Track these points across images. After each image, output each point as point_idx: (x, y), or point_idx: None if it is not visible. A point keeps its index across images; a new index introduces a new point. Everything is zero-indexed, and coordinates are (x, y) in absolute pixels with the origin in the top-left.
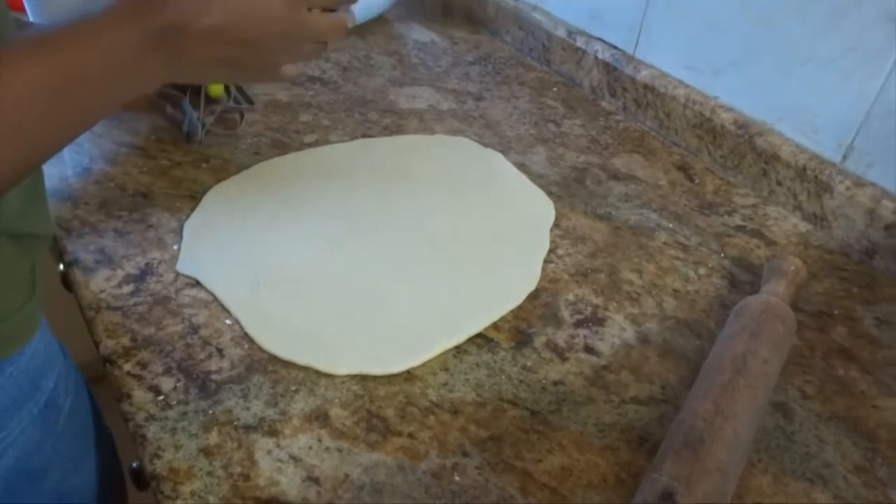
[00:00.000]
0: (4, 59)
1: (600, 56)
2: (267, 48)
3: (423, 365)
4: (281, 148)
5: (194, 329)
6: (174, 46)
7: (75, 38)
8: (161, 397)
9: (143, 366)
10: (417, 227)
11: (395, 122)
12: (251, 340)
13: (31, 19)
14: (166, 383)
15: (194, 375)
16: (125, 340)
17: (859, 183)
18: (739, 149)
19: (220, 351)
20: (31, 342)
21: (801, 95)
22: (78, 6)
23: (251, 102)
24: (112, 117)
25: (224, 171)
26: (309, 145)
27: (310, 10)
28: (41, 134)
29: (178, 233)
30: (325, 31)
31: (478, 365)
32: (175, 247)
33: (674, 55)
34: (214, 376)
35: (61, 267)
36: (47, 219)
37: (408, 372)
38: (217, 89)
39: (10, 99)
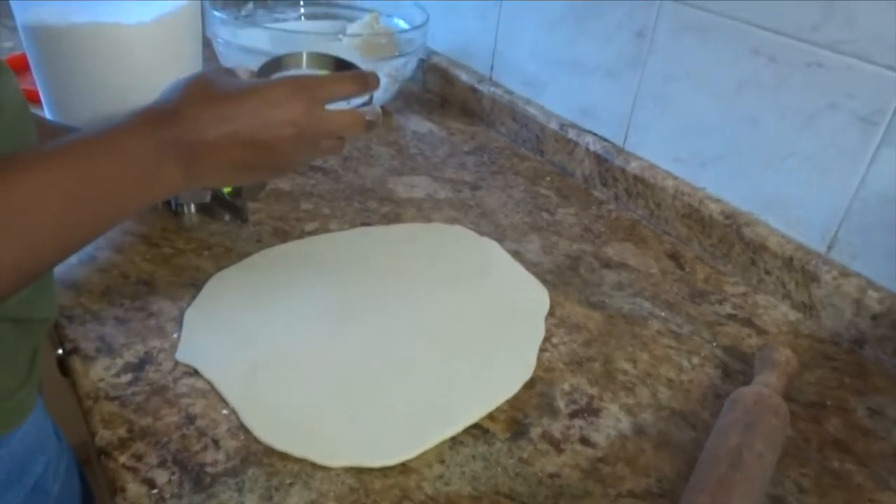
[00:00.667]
0: (22, 163)
1: (591, 148)
2: (285, 150)
3: (419, 457)
4: (282, 236)
5: (191, 419)
6: (190, 155)
7: (93, 147)
8: (155, 491)
9: (139, 458)
10: (414, 316)
11: (393, 211)
12: (247, 431)
13: (46, 112)
14: (161, 476)
15: (189, 468)
16: (122, 431)
17: (845, 273)
18: (728, 238)
19: (215, 442)
20: (21, 426)
21: (785, 188)
22: (92, 101)
23: (245, 220)
24: None
25: (226, 258)
26: (310, 233)
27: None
28: (55, 237)
29: (179, 321)
30: (342, 127)
31: (474, 457)
32: (175, 335)
33: (662, 148)
34: (209, 468)
35: (59, 351)
36: (52, 304)
37: (403, 464)
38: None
39: (26, 202)
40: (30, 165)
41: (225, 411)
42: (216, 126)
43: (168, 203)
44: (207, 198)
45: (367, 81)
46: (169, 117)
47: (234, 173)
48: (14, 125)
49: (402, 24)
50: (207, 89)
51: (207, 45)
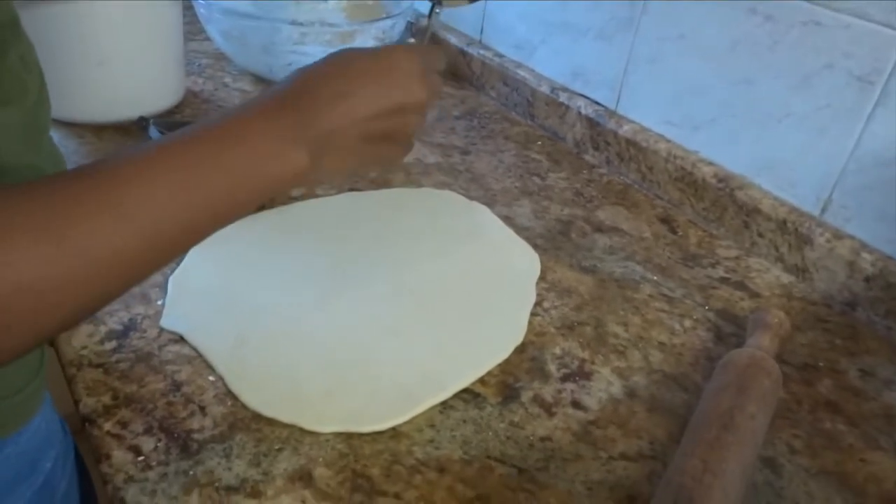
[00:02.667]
0: (134, 158)
1: (583, 111)
2: (406, 117)
3: (410, 422)
4: (268, 201)
5: (177, 386)
6: (315, 137)
7: (211, 136)
8: (141, 458)
9: (124, 425)
10: (404, 282)
11: (381, 176)
12: (235, 398)
13: None
14: (147, 443)
15: (175, 435)
16: (106, 399)
17: (838, 235)
18: (721, 202)
19: (202, 409)
20: (32, 421)
21: (779, 151)
22: (76, 69)
23: None
24: None
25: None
26: (296, 199)
27: None
28: (171, 233)
29: (163, 287)
30: (440, 88)
31: (464, 421)
32: (160, 302)
33: (654, 111)
34: (196, 435)
35: None
36: None
37: (393, 429)
38: None
39: (140, 196)
40: (136, 162)
41: (211, 378)
42: (336, 101)
43: None
44: None
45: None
46: (289, 101)
47: (361, 150)
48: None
49: None
50: (325, 68)
51: (189, 8)
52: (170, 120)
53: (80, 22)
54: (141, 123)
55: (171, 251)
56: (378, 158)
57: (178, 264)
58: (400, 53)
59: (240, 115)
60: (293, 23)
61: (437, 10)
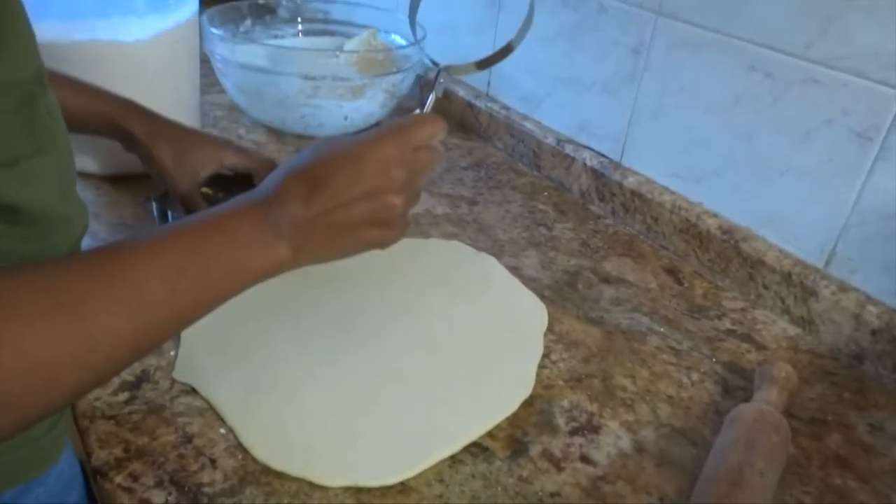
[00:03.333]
0: (129, 248)
1: (588, 163)
2: (387, 200)
3: (418, 476)
4: None
5: (188, 438)
6: (299, 230)
7: (201, 229)
8: None
9: (135, 478)
10: (413, 333)
11: None
12: (245, 450)
13: None
14: (157, 496)
15: (186, 488)
16: (118, 451)
17: (844, 288)
18: (725, 253)
19: (213, 462)
20: (58, 462)
21: (782, 204)
22: None
23: None
24: (117, 222)
25: None
26: None
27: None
28: (161, 319)
29: (176, 339)
30: (429, 163)
31: (473, 476)
32: (172, 353)
33: (658, 163)
34: (206, 489)
35: None
36: None
37: (402, 483)
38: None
39: (133, 284)
40: (136, 249)
41: (222, 430)
42: (311, 193)
43: (164, 216)
44: None
45: (441, 121)
46: (270, 196)
47: (344, 239)
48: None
49: (399, 41)
50: (303, 163)
51: (206, 61)
52: None
53: (99, 75)
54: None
55: (161, 335)
56: (365, 243)
57: None
58: (374, 139)
59: (228, 210)
60: (306, 77)
61: (441, 80)
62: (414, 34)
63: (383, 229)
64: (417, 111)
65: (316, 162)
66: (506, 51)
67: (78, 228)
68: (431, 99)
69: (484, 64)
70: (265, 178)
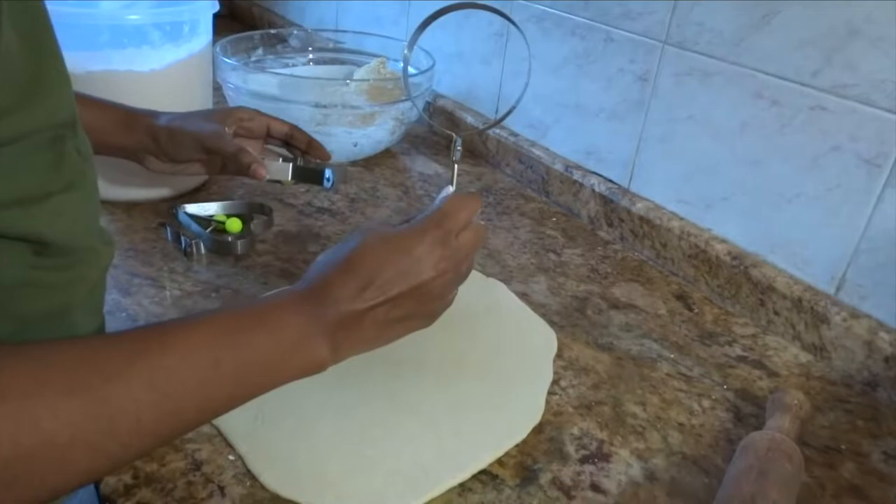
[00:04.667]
0: (171, 332)
1: (597, 189)
2: (433, 292)
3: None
4: (289, 278)
5: (197, 465)
6: (341, 328)
7: (240, 320)
8: None
9: None
10: (421, 359)
11: None
12: (253, 477)
13: None
14: None
15: None
16: (127, 478)
17: (855, 314)
18: (735, 279)
19: (221, 489)
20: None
21: (791, 230)
22: None
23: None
24: (129, 247)
25: (233, 301)
26: None
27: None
28: (193, 407)
29: None
30: (473, 244)
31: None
32: None
33: (666, 189)
34: None
35: None
36: None
37: None
38: (235, 224)
39: (171, 368)
40: (171, 333)
41: (231, 457)
42: (368, 289)
43: (178, 242)
44: (288, 175)
45: (476, 198)
46: (321, 292)
47: (389, 332)
48: None
49: (409, 69)
50: (354, 257)
51: (218, 89)
52: (196, 200)
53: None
54: (171, 210)
55: (184, 426)
56: (409, 331)
57: None
58: (419, 231)
59: (272, 302)
60: (316, 105)
61: (459, 147)
62: (408, 92)
63: (428, 319)
64: (449, 188)
65: (362, 255)
66: (510, 112)
67: (104, 258)
68: (456, 169)
69: (490, 126)
70: (309, 269)
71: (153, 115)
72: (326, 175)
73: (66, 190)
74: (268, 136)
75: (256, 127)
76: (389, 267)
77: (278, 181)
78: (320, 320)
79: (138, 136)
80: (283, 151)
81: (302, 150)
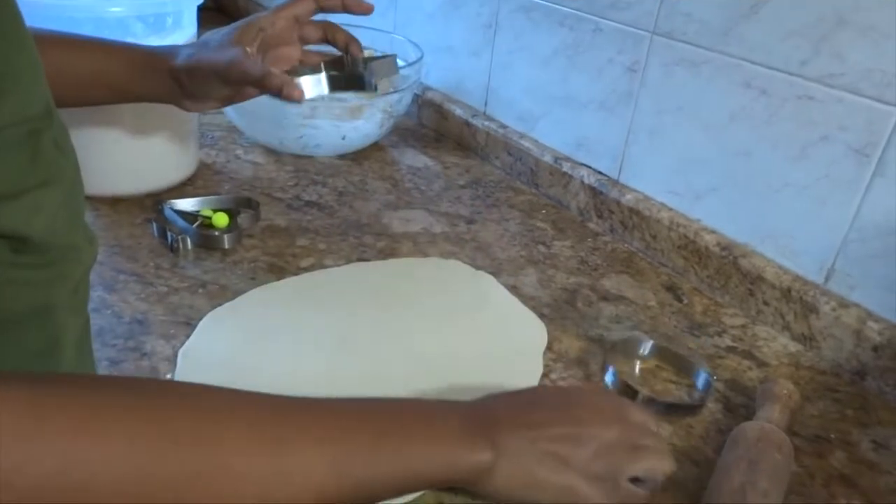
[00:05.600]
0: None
1: (586, 181)
2: (589, 453)
3: (418, 499)
4: (277, 272)
5: None
6: (501, 450)
7: (399, 413)
8: None
9: None
10: (411, 353)
11: (389, 246)
12: None
13: None
14: None
15: None
16: None
17: (844, 304)
18: (725, 270)
19: None
20: None
21: (780, 220)
22: (96, 149)
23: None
24: (114, 244)
25: (220, 296)
26: (305, 269)
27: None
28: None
29: (173, 361)
30: (638, 498)
31: (474, 498)
32: (169, 375)
33: (656, 180)
34: None
35: None
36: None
37: None
38: (222, 219)
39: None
40: (296, 407)
41: None
42: (521, 413)
43: (165, 237)
44: (324, 88)
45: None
46: (482, 413)
47: (540, 466)
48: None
49: (398, 62)
50: (516, 393)
51: None
52: (182, 195)
53: None
54: (157, 205)
55: None
56: (553, 480)
57: (187, 337)
58: (593, 391)
59: (423, 404)
60: None
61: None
62: None
63: (579, 478)
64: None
65: (534, 393)
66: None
67: (87, 257)
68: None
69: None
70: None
71: (172, 53)
72: (366, 78)
73: (43, 185)
74: (301, 39)
75: (282, 31)
76: (553, 402)
77: (317, 97)
78: (480, 434)
79: (163, 81)
80: (327, 48)
81: (341, 49)
